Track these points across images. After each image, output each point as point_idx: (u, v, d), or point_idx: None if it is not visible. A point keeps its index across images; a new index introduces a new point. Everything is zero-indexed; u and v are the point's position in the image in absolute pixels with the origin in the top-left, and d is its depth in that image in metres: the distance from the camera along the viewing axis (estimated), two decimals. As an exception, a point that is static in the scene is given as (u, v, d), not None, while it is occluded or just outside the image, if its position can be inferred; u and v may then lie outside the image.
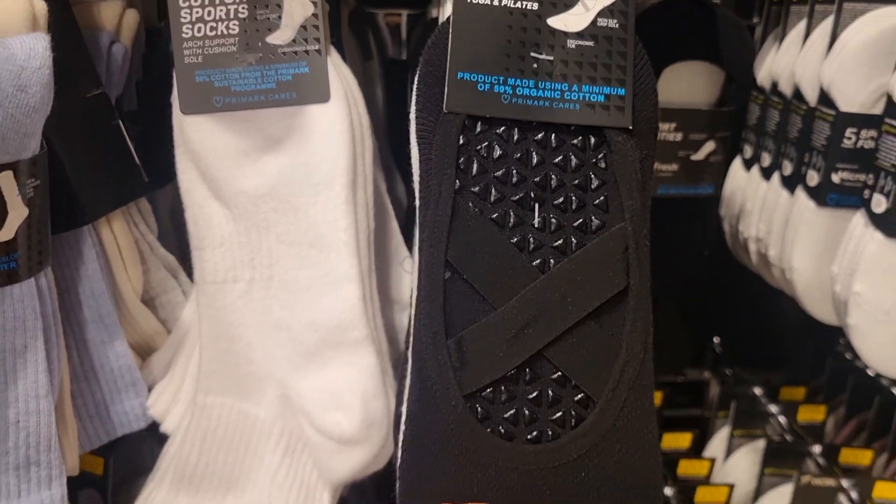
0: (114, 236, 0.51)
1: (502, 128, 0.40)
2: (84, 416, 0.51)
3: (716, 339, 0.94)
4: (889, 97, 0.55)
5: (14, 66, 0.39)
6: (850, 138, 0.61)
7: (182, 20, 0.45)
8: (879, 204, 0.55)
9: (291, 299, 0.47)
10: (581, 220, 0.40)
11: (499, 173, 0.40)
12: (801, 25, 0.67)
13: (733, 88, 0.65)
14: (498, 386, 0.40)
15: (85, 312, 0.50)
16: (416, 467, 0.41)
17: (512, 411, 0.40)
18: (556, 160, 0.40)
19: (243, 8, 0.45)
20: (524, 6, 0.39)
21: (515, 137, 0.40)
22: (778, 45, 0.71)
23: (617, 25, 0.39)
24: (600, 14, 0.39)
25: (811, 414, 0.80)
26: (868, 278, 0.56)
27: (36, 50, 0.40)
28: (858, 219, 0.58)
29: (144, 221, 0.54)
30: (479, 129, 0.40)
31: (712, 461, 0.68)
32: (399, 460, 0.42)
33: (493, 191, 0.40)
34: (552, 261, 0.40)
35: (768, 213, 0.70)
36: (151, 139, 0.55)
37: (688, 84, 0.64)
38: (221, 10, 0.45)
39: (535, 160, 0.40)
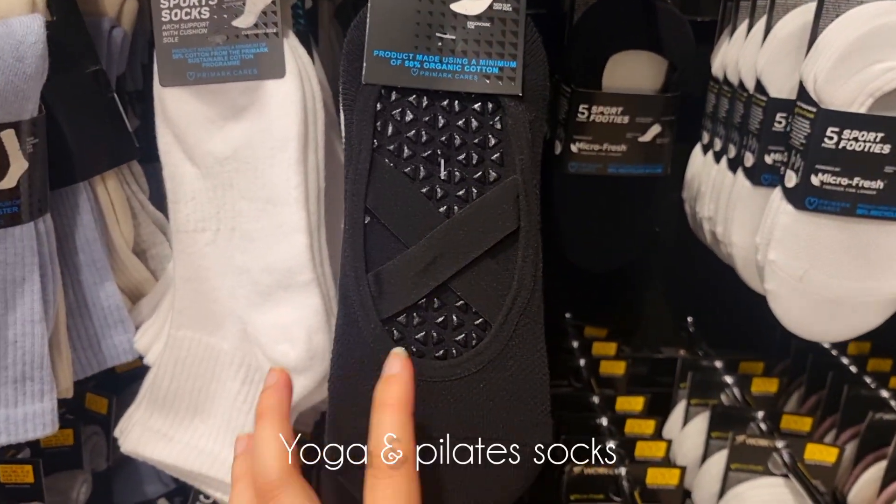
0: (108, 193, 0.59)
1: (413, 96, 0.47)
2: (78, 347, 0.59)
3: (689, 319, 0.99)
4: (800, 82, 0.60)
5: (13, 41, 0.47)
6: (780, 122, 0.67)
7: (161, 6, 0.53)
8: (790, 179, 0.61)
9: (250, 247, 0.54)
10: (480, 173, 0.48)
11: (410, 134, 0.47)
12: (748, 20, 0.73)
13: (675, 76, 0.71)
14: (410, 312, 0.48)
15: (80, 257, 0.58)
16: (342, 381, 0.48)
17: (422, 333, 0.48)
18: (459, 122, 0.47)
19: (213, -4, 0.53)
20: None
21: (424, 104, 0.47)
22: (729, 38, 0.77)
23: (510, 9, 0.46)
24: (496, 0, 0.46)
25: (764, 386, 0.85)
26: (782, 247, 0.62)
27: (32, 27, 0.48)
28: (776, 193, 0.63)
29: (136, 182, 0.62)
30: (393, 97, 0.47)
31: (669, 442, 0.73)
32: (329, 377, 0.49)
33: (405, 149, 0.47)
34: (456, 207, 0.47)
35: (716, 193, 0.76)
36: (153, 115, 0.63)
37: (633, 72, 0.71)
38: (195, -2, 0.53)
39: (441, 123, 0.47)
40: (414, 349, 0.47)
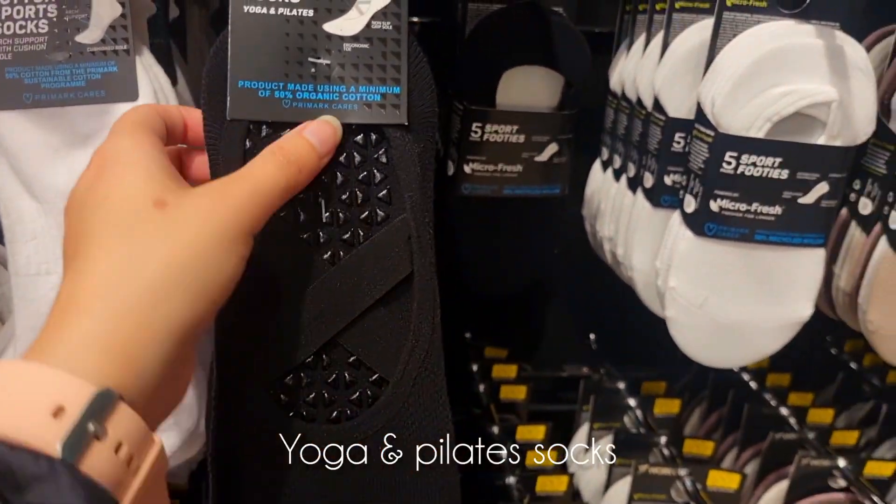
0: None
1: (286, 131, 0.41)
2: None
3: (592, 336, 0.97)
4: (698, 104, 0.58)
5: None
6: (678, 142, 0.64)
7: (-10, 18, 0.46)
8: (689, 204, 0.59)
9: (102, 291, 0.48)
10: (367, 213, 0.43)
11: None
12: (646, 34, 0.70)
13: (572, 92, 0.68)
14: (297, 373, 0.43)
15: None
16: (225, 457, 0.43)
17: (312, 395, 0.43)
18: (340, 158, 0.42)
19: (52, 8, 0.46)
20: (300, 13, 0.41)
21: None
22: (626, 52, 0.74)
23: (391, 27, 0.41)
24: (374, 17, 0.41)
25: (667, 407, 0.83)
26: (681, 274, 0.59)
27: None
28: (675, 217, 0.61)
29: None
30: (263, 133, 0.42)
31: (571, 476, 0.70)
32: (209, 450, 0.44)
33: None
34: (342, 253, 0.42)
35: (616, 213, 0.73)
36: None
37: (528, 88, 0.67)
38: (30, 10, 0.46)
39: None
40: (304, 413, 0.43)
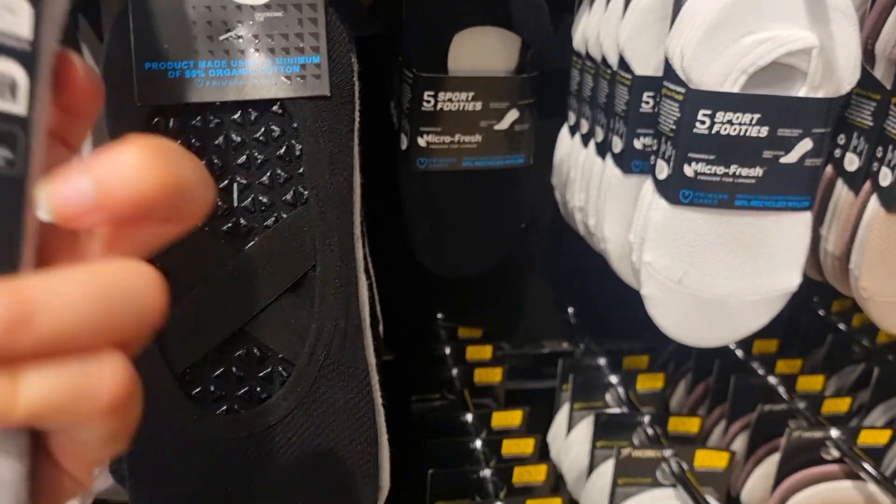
0: None
1: (198, 117, 0.37)
2: None
3: (570, 310, 0.93)
4: (666, 59, 0.53)
5: None
6: (647, 102, 0.59)
7: None
8: (661, 170, 0.54)
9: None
10: (267, 200, 0.39)
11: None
12: (607, -14, 0.65)
13: (530, 54, 0.63)
14: (204, 363, 0.41)
15: None
16: (140, 447, 0.41)
17: (222, 383, 0.41)
18: (257, 135, 0.38)
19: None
20: None
21: (213, 123, 0.37)
22: (589, 8, 0.69)
23: None
24: None
25: (650, 382, 0.79)
26: (657, 247, 0.55)
27: None
28: (647, 186, 0.56)
29: None
30: (172, 122, 0.37)
31: (549, 465, 0.66)
32: None
33: None
34: (245, 241, 0.40)
35: (586, 181, 0.68)
36: None
37: (483, 51, 0.62)
38: None
39: (235, 141, 0.38)
40: (213, 400, 0.41)
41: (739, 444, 0.78)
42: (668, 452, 0.66)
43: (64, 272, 0.20)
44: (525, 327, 0.95)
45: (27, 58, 0.21)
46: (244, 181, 0.39)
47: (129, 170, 0.21)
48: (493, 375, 0.79)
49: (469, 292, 0.89)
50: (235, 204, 0.39)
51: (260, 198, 0.39)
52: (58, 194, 0.21)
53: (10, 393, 0.20)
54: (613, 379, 0.79)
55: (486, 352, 0.83)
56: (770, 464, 0.74)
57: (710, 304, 0.56)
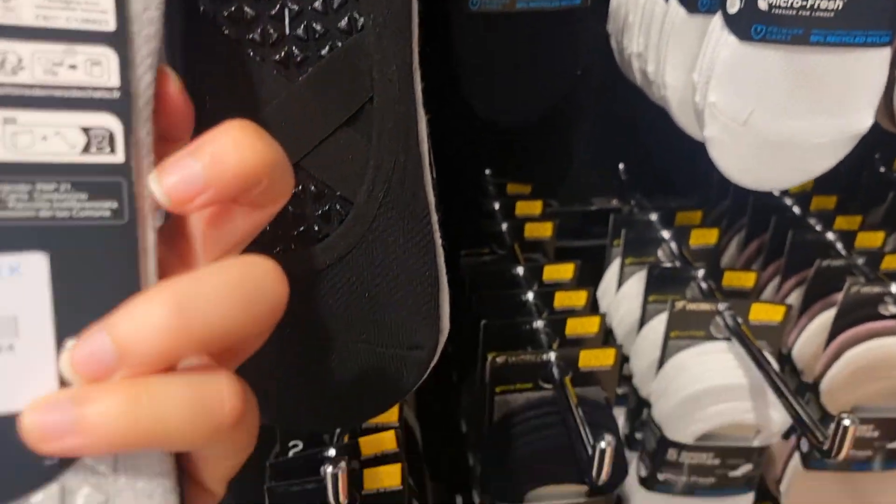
0: None
1: None
2: None
3: (621, 166, 0.90)
4: None
5: None
6: (717, -68, 0.55)
7: None
8: (733, 4, 0.50)
9: None
10: (345, 20, 0.37)
11: None
12: None
13: None
14: None
15: None
16: None
17: (276, 223, 0.39)
18: None
19: None
20: None
21: None
22: None
23: None
24: None
25: (703, 237, 0.77)
26: (723, 86, 0.52)
27: None
28: (716, 21, 0.53)
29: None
30: None
31: (602, 317, 0.65)
32: None
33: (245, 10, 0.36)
34: (307, 70, 0.38)
35: (646, 25, 0.65)
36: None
37: None
38: None
39: None
40: (270, 241, 0.40)
41: (793, 300, 0.77)
42: (722, 305, 0.65)
43: (200, 274, 0.22)
44: (574, 184, 0.93)
45: (119, 106, 0.23)
46: (296, 7, 0.37)
47: (232, 146, 0.22)
48: (544, 230, 0.78)
49: (518, 147, 0.87)
50: (287, 32, 0.37)
51: (313, 25, 0.37)
52: (169, 178, 0.22)
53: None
54: (666, 234, 0.77)
55: (535, 207, 0.82)
56: (825, 319, 0.73)
57: (776, 146, 0.53)
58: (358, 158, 0.39)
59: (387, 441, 0.51)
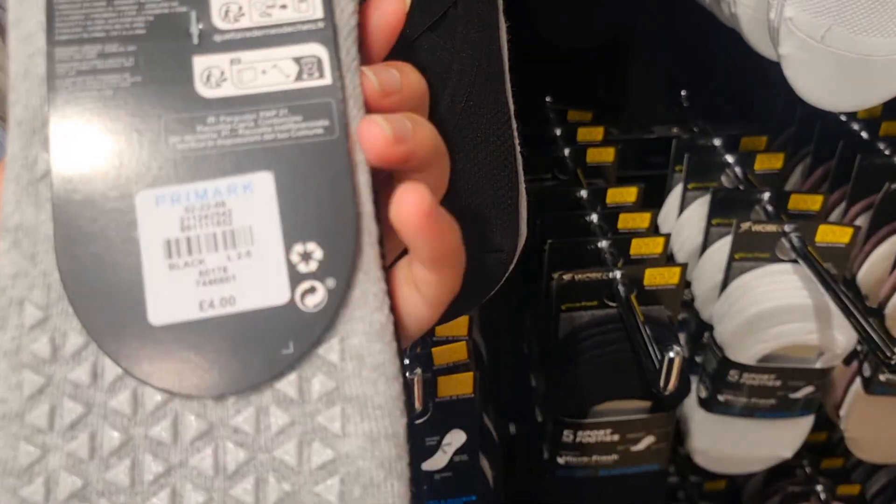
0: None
1: None
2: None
3: (683, 93, 0.89)
4: None
5: None
6: None
7: None
8: (814, -87, 0.49)
9: None
10: None
11: None
12: None
13: None
14: None
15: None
16: None
17: None
18: None
19: None
20: None
21: None
22: None
23: None
24: None
25: (769, 162, 0.77)
26: (800, 1, 0.51)
27: None
28: (794, -67, 0.52)
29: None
30: None
31: (667, 237, 0.65)
32: None
33: None
34: None
35: (718, -59, 0.64)
36: None
37: None
38: None
39: None
40: None
41: (859, 224, 0.76)
42: (788, 227, 0.65)
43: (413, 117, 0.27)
44: (634, 112, 0.93)
45: (324, 35, 0.26)
46: None
47: (411, 70, 0.28)
48: (606, 155, 0.79)
49: (579, 74, 0.87)
50: None
51: None
52: (379, 75, 0.27)
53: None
54: (730, 158, 0.77)
55: (597, 133, 0.82)
56: (891, 244, 0.72)
57: (854, 64, 0.52)
58: (441, 63, 0.39)
59: (459, 351, 0.53)
